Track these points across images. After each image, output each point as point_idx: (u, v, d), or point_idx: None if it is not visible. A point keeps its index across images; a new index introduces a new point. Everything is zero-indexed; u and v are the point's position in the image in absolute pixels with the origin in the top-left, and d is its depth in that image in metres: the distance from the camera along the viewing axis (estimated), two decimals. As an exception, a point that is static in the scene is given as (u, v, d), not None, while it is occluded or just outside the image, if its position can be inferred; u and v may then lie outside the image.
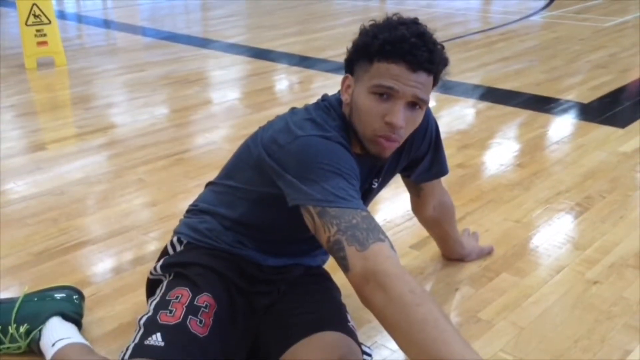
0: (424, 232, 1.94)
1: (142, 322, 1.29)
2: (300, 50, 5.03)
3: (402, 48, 1.17)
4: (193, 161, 2.77)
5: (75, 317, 1.56)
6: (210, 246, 1.44)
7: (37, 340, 1.48)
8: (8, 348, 1.51)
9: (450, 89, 3.82)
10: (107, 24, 6.82)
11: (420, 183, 1.65)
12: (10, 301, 1.57)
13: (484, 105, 3.56)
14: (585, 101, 3.57)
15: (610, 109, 3.46)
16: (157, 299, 1.35)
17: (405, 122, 1.21)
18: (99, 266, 1.96)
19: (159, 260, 1.50)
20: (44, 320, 1.50)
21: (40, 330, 1.49)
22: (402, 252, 1.99)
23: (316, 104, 1.35)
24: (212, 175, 1.55)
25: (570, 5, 6.88)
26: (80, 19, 7.17)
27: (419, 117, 1.25)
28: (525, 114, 3.36)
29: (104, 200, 2.40)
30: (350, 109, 1.26)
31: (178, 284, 1.37)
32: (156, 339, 1.23)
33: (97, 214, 2.30)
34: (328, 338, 1.28)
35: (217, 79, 4.40)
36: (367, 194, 1.45)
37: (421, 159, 1.54)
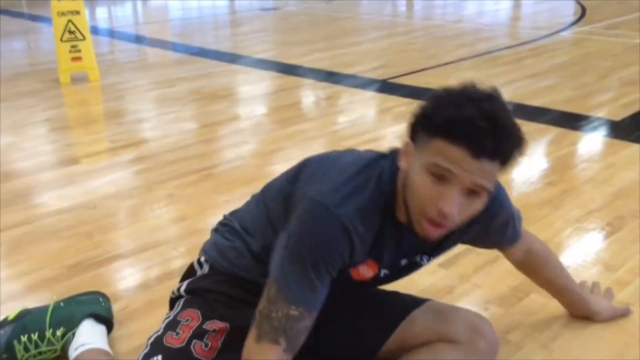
0: (452, 251, 1.93)
1: (150, 340, 1.34)
2: (328, 65, 5.07)
3: (466, 132, 1.05)
4: (222, 176, 2.80)
5: (107, 317, 1.62)
6: (236, 276, 1.42)
7: (69, 343, 1.53)
8: (44, 353, 1.55)
9: (479, 105, 3.79)
10: (138, 39, 6.96)
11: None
12: (42, 308, 1.62)
13: (512, 122, 3.53)
14: (616, 118, 3.53)
15: (641, 126, 3.42)
16: (170, 317, 1.39)
17: (459, 209, 1.10)
18: (130, 280, 1.99)
19: (182, 279, 1.50)
20: (78, 323, 1.56)
21: (74, 333, 1.54)
22: (431, 270, 1.98)
23: (370, 163, 1.26)
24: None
25: (600, 20, 6.81)
26: (112, 34, 7.32)
27: (478, 204, 1.13)
28: (554, 131, 3.33)
29: (134, 214, 2.44)
30: (405, 179, 1.17)
31: (192, 305, 1.39)
32: None
33: (129, 228, 2.34)
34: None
35: (245, 94, 4.46)
36: (413, 267, 1.38)
37: (489, 239, 1.47)
